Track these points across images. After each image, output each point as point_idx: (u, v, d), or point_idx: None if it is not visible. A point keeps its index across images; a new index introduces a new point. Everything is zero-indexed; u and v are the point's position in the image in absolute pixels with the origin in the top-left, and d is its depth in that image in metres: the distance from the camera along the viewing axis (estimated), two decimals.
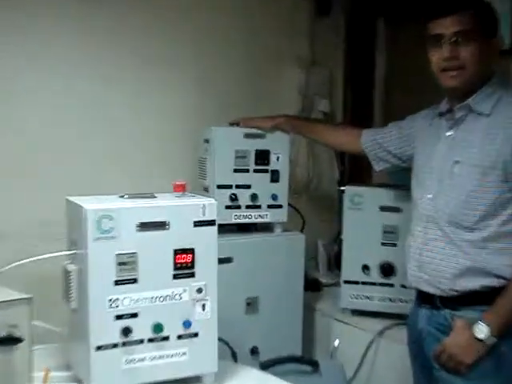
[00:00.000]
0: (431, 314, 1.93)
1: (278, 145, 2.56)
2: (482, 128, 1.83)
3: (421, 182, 2.00)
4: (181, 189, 1.77)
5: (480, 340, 1.77)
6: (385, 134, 2.27)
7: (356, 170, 3.24)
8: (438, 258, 1.88)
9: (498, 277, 1.80)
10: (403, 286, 2.49)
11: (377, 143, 2.28)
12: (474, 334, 1.77)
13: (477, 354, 1.78)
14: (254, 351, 2.52)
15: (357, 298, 2.58)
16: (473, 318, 1.80)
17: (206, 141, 2.52)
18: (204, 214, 1.71)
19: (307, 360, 2.33)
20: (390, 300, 2.54)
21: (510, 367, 1.81)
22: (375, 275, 2.55)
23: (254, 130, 2.53)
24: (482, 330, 1.76)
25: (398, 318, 2.49)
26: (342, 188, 2.64)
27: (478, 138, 1.82)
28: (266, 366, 2.16)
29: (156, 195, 1.75)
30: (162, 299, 1.68)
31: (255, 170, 2.54)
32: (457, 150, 1.87)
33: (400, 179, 2.39)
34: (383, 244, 2.53)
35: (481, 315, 1.79)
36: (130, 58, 2.60)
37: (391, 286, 2.53)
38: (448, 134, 1.92)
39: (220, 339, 1.80)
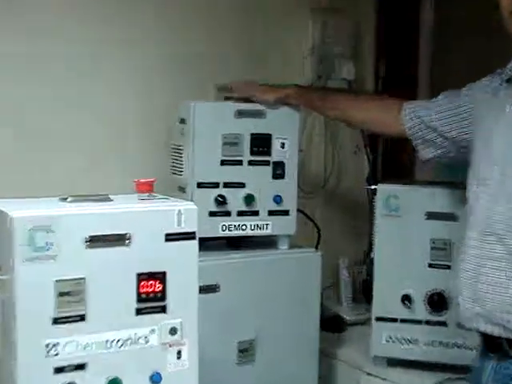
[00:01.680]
0: (498, 367, 1.91)
1: (284, 126, 2.58)
2: None
3: (478, 175, 2.00)
4: (147, 188, 1.79)
5: None
6: (435, 110, 2.26)
7: (393, 161, 3.26)
8: (501, 284, 1.86)
9: None
10: (461, 326, 2.49)
11: (423, 122, 2.28)
12: None
13: None
14: None
15: (394, 342, 2.59)
16: None
17: (182, 121, 2.53)
18: (179, 224, 1.72)
19: None
20: (442, 345, 2.55)
21: None
22: (420, 309, 2.56)
23: (250, 106, 2.54)
24: None
25: (454, 370, 2.51)
26: (373, 187, 2.65)
27: None
28: None
29: (112, 198, 1.75)
30: (120, 344, 1.68)
31: (251, 162, 2.55)
32: None
33: (453, 174, 2.40)
34: (431, 265, 2.54)
35: None
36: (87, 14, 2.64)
37: (443, 324, 2.54)
38: (508, 109, 1.93)
39: None
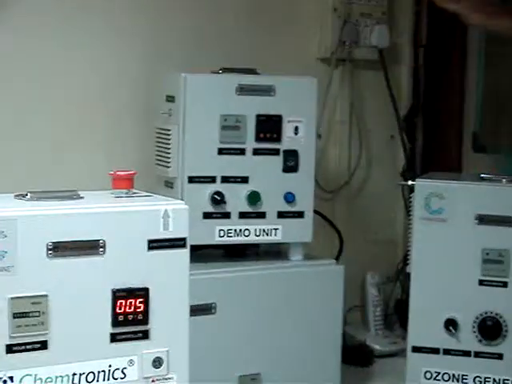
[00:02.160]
0: None
1: (298, 106, 2.60)
2: None
3: None
4: (126, 183, 1.79)
5: None
6: None
7: (436, 149, 3.26)
8: None
9: None
10: None
11: None
12: None
13: None
14: None
15: (437, 379, 2.59)
16: None
17: (170, 99, 2.55)
18: (166, 228, 1.73)
19: None
20: (497, 382, 2.55)
21: None
22: (469, 338, 2.56)
23: (254, 79, 2.55)
24: None
25: None
26: (410, 182, 2.65)
27: None
28: None
29: (82, 195, 1.77)
30: (91, 378, 1.69)
31: (257, 151, 2.57)
32: None
33: None
34: (483, 282, 2.54)
35: None
36: None
37: (498, 357, 2.54)
38: None
39: None
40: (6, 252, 1.60)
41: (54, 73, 2.69)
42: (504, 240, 2.51)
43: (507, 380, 2.53)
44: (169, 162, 2.55)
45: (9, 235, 1.60)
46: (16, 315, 1.62)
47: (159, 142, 2.59)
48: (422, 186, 2.59)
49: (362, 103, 3.19)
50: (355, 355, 2.94)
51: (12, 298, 1.61)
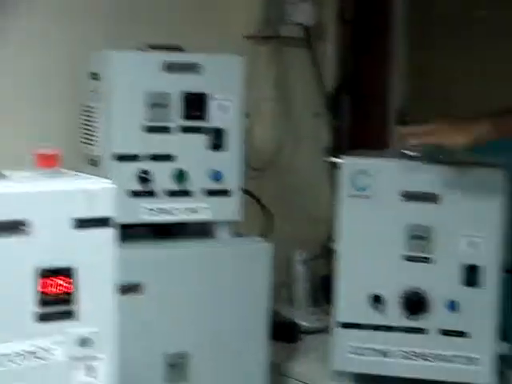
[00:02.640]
0: None
1: (224, 84, 2.60)
2: None
3: None
4: (51, 162, 1.77)
5: None
6: None
7: (361, 126, 3.28)
8: None
9: None
10: (444, 333, 2.57)
11: None
12: None
13: None
14: None
15: (362, 355, 2.62)
16: None
17: (95, 76, 2.54)
18: (91, 207, 1.72)
19: None
20: (422, 357, 2.59)
21: None
22: (394, 313, 2.59)
23: (181, 56, 2.56)
24: None
25: None
26: (337, 160, 2.67)
27: None
28: None
29: (6, 174, 1.75)
30: (16, 359, 1.67)
31: (183, 129, 2.58)
32: None
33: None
34: (409, 259, 2.58)
35: None
36: None
37: (422, 331, 2.59)
38: None
39: None
40: None
41: None
42: (428, 216, 2.55)
43: (431, 354, 2.58)
44: (94, 140, 2.55)
45: None
46: None
47: (85, 120, 2.57)
48: (348, 163, 2.61)
49: (288, 81, 3.19)
50: (282, 332, 2.96)
51: None
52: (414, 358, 2.59)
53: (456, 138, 2.42)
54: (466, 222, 2.53)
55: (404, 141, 2.51)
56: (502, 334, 2.58)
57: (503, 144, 2.32)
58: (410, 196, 2.56)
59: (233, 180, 2.63)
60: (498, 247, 2.53)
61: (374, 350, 2.61)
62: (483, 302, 2.54)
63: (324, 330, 2.96)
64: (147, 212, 2.55)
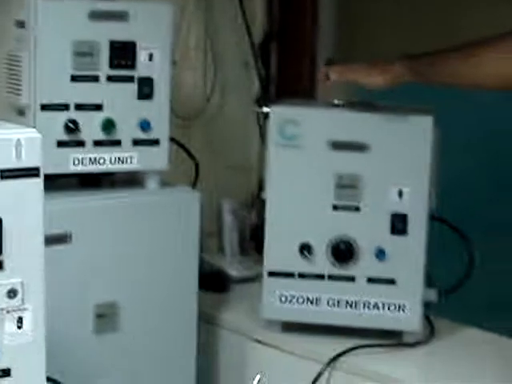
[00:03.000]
0: None
1: (151, 32, 2.58)
2: None
3: None
4: None
5: None
6: None
7: (289, 76, 3.28)
8: None
9: None
10: (372, 281, 2.60)
11: None
12: None
13: None
14: None
15: (291, 303, 2.64)
16: None
17: (20, 24, 2.49)
18: (19, 157, 1.70)
19: None
20: (349, 304, 2.62)
21: None
22: (323, 262, 2.61)
23: (108, 5, 2.53)
24: None
25: (364, 335, 2.60)
26: (265, 109, 2.67)
27: None
28: None
29: None
30: None
31: (110, 78, 2.55)
32: None
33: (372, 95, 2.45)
34: (336, 207, 2.60)
35: None
36: None
37: (351, 279, 2.61)
38: None
39: (49, 379, 1.82)
40: None
41: None
42: (356, 165, 2.57)
43: (359, 301, 2.61)
44: (20, 90, 2.50)
45: None
46: None
47: (10, 69, 2.53)
48: (277, 112, 2.61)
49: (216, 29, 3.18)
50: (212, 281, 2.98)
51: None
52: (341, 305, 2.62)
53: (375, 77, 2.48)
54: (394, 171, 2.56)
55: (326, 80, 2.55)
56: (428, 281, 2.61)
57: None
58: (339, 145, 2.57)
59: (161, 129, 2.62)
60: (426, 196, 2.55)
61: (303, 298, 2.64)
62: (411, 250, 2.57)
63: (253, 279, 2.99)
64: (75, 162, 2.53)
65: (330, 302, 2.62)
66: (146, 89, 2.58)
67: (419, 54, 2.45)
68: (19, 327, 1.73)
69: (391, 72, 2.46)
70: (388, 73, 2.46)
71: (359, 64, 2.56)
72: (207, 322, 2.82)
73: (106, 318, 2.56)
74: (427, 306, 2.63)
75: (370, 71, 2.50)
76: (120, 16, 2.52)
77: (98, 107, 2.53)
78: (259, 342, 2.72)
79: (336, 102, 2.64)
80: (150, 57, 2.57)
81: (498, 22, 2.55)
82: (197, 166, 2.85)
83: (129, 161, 2.59)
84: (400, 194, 2.56)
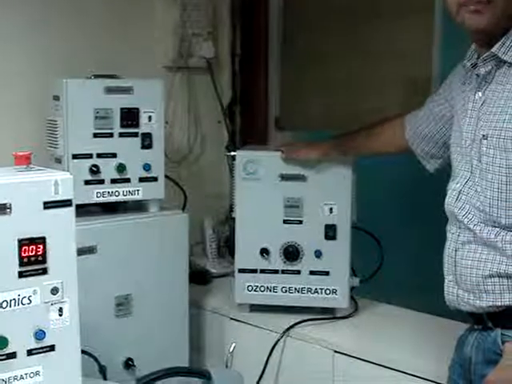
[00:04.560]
0: (480, 338, 1.80)
1: (150, 101, 2.57)
2: None
3: (453, 168, 1.87)
4: (25, 161, 1.73)
5: None
6: (424, 117, 2.10)
7: (249, 129, 3.29)
8: (475, 265, 1.75)
9: None
10: (312, 273, 2.58)
11: (421, 134, 2.12)
12: None
13: None
14: (129, 364, 2.54)
15: (256, 291, 2.63)
16: None
17: (56, 98, 2.48)
18: (57, 193, 1.68)
19: (197, 371, 2.33)
20: (297, 291, 2.61)
21: None
22: (277, 261, 2.60)
23: (118, 82, 2.53)
24: None
25: (308, 312, 2.59)
26: (233, 153, 2.67)
27: (509, 98, 1.67)
28: (144, 383, 2.17)
29: None
30: (4, 305, 1.64)
31: (121, 134, 2.54)
32: (484, 119, 1.72)
33: (311, 136, 2.44)
34: (286, 222, 2.58)
35: None
36: None
37: (297, 273, 2.60)
38: (476, 96, 1.77)
39: (83, 351, 1.80)
40: None
41: None
42: (299, 191, 2.56)
43: (303, 288, 2.61)
44: (57, 144, 2.50)
45: None
46: None
47: (49, 130, 2.54)
48: (241, 155, 2.62)
49: (196, 98, 3.18)
50: (198, 277, 2.96)
51: None
52: (291, 291, 2.62)
53: (311, 152, 2.52)
54: (325, 194, 2.55)
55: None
56: (352, 272, 2.62)
57: None
58: (286, 177, 2.57)
59: (158, 169, 2.61)
60: (349, 212, 2.56)
61: (264, 287, 2.63)
62: (339, 251, 2.57)
63: (228, 275, 2.98)
64: (97, 195, 2.53)
65: (283, 289, 2.61)
66: (147, 141, 2.57)
67: (341, 134, 2.50)
68: (60, 315, 1.72)
69: (321, 148, 2.51)
70: (319, 149, 2.51)
71: (301, 143, 2.62)
72: (195, 307, 2.81)
73: (122, 306, 2.55)
74: (352, 289, 2.63)
75: (308, 148, 2.53)
76: (127, 90, 2.53)
77: (113, 155, 2.52)
78: (233, 319, 2.71)
79: (281, 147, 2.64)
80: (149, 118, 2.57)
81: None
82: (185, 195, 2.86)
83: (136, 193, 2.58)
84: (330, 210, 2.55)
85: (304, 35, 3.18)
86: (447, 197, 1.85)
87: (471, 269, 1.76)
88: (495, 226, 1.72)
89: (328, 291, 2.59)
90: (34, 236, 1.66)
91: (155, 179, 2.61)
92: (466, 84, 1.85)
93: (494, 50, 1.70)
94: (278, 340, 2.55)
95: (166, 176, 2.66)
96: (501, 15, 1.68)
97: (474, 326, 1.83)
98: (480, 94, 1.76)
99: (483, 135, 1.71)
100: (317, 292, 2.59)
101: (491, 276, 1.73)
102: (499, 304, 1.72)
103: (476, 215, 1.75)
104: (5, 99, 2.65)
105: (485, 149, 1.70)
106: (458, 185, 1.81)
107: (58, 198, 1.69)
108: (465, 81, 1.86)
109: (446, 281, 1.85)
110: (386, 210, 2.86)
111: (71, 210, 1.71)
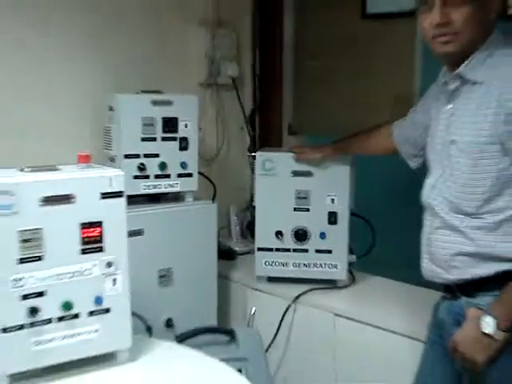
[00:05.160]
0: (450, 305, 1.81)
1: (186, 111, 2.56)
2: (476, 99, 1.67)
3: (429, 167, 1.87)
4: (85, 160, 1.75)
5: (488, 335, 1.61)
6: (408, 124, 2.10)
7: (267, 134, 3.28)
8: (445, 246, 1.76)
9: (509, 261, 1.66)
10: (318, 251, 2.57)
11: (405, 138, 2.12)
12: (481, 328, 1.62)
13: (488, 351, 1.62)
14: (169, 324, 2.54)
15: (271, 265, 2.62)
16: (489, 304, 1.66)
17: (111, 109, 2.48)
18: (111, 186, 1.70)
19: (223, 330, 2.37)
20: (305, 265, 2.60)
21: None
22: (289, 241, 2.59)
23: (161, 96, 2.52)
24: (488, 324, 1.61)
25: (314, 282, 2.58)
26: (253, 154, 2.67)
27: (473, 110, 1.67)
28: (181, 339, 2.19)
29: (59, 167, 1.72)
30: (70, 276, 1.66)
31: (163, 138, 2.53)
32: (453, 127, 1.73)
33: (312, 142, 2.43)
34: (296, 209, 2.57)
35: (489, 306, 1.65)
36: (32, 25, 2.52)
37: (305, 251, 2.59)
38: (447, 108, 1.78)
39: (133, 313, 1.81)
40: (14, 204, 1.57)
41: (55, 91, 2.61)
42: (307, 184, 2.55)
43: (310, 263, 2.59)
44: (111, 147, 2.50)
45: (15, 194, 1.57)
46: (22, 241, 1.59)
47: (106, 135, 2.54)
48: (260, 155, 2.61)
49: (223, 109, 3.16)
50: (225, 254, 2.95)
51: (19, 231, 1.58)
52: (300, 266, 2.60)
53: (316, 154, 2.50)
54: (328, 187, 2.54)
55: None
56: (350, 250, 2.61)
57: None
58: (296, 173, 2.56)
59: (192, 167, 2.60)
60: (348, 201, 2.54)
61: (278, 262, 2.62)
62: (339, 233, 2.56)
63: (249, 252, 2.97)
64: (144, 187, 2.52)
65: (294, 264, 2.60)
66: (183, 144, 2.56)
67: (341, 138, 2.47)
68: (114, 284, 1.74)
69: (324, 151, 2.48)
70: (323, 151, 2.49)
71: (308, 146, 2.59)
72: (222, 278, 2.81)
73: (164, 277, 2.55)
74: (350, 264, 2.63)
75: (313, 150, 2.51)
76: (168, 103, 2.52)
77: (156, 155, 2.52)
78: (253, 288, 2.70)
79: (294, 148, 2.64)
80: (186, 126, 2.56)
81: None
82: (214, 187, 2.84)
83: (175, 186, 2.58)
84: (332, 200, 2.54)
85: (312, 58, 3.16)
86: (424, 189, 1.86)
87: (442, 249, 1.78)
88: (460, 214, 1.73)
89: (330, 266, 2.58)
90: (93, 220, 1.68)
91: (190, 175, 2.60)
92: (439, 98, 1.85)
93: (458, 70, 1.71)
94: (290, 305, 2.55)
95: (199, 172, 2.65)
96: (466, 43, 1.69)
97: (446, 294, 1.85)
98: (450, 106, 1.77)
99: (452, 140, 1.73)
100: (321, 266, 2.58)
101: (457, 254, 1.74)
102: (464, 277, 1.74)
103: (446, 205, 1.76)
104: (70, 109, 2.66)
105: (453, 151, 1.72)
106: (432, 180, 1.82)
107: (112, 190, 1.70)
108: (438, 95, 1.86)
109: (423, 258, 1.87)
110: (377, 200, 2.84)
111: (123, 200, 1.72)
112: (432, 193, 1.81)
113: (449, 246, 1.76)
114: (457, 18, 1.65)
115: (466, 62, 1.69)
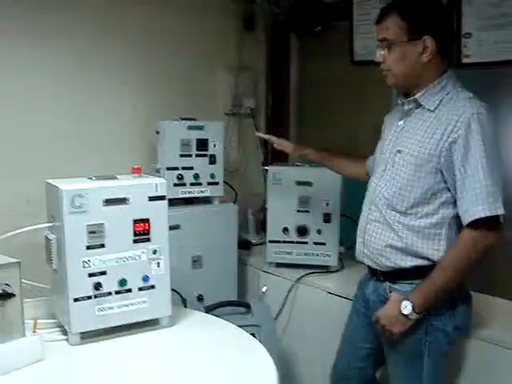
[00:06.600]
0: (376, 286, 1.81)
1: (215, 134, 2.56)
2: (426, 122, 1.65)
3: (375, 167, 1.84)
4: (137, 171, 1.77)
5: (405, 315, 1.65)
6: (377, 153, 1.95)
7: (277, 153, 3.24)
8: (377, 237, 1.75)
9: (427, 259, 1.67)
10: (315, 243, 2.56)
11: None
12: (400, 309, 1.65)
13: (403, 327, 1.66)
14: (200, 298, 2.54)
15: (279, 254, 2.61)
16: (407, 291, 1.68)
17: (157, 132, 2.50)
18: (157, 191, 1.72)
19: (242, 303, 2.38)
20: (305, 254, 2.58)
21: (438, 341, 1.69)
22: (293, 235, 2.58)
23: (196, 123, 2.52)
24: (406, 307, 1.64)
25: (312, 267, 2.55)
26: (266, 168, 2.65)
27: (421, 130, 1.65)
28: (209, 309, 2.20)
29: (117, 177, 1.75)
30: (125, 260, 1.69)
31: (197, 155, 2.53)
32: (401, 139, 1.71)
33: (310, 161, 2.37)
34: (298, 211, 2.56)
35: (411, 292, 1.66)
36: (108, 67, 2.55)
37: (306, 243, 2.57)
38: (399, 123, 1.75)
39: (172, 289, 1.82)
40: (84, 204, 1.60)
41: (99, 116, 2.60)
42: (307, 192, 2.51)
43: (309, 253, 2.55)
44: (157, 161, 2.51)
45: (85, 196, 1.60)
46: (90, 232, 1.62)
47: (153, 152, 2.55)
48: (272, 169, 2.56)
49: (243, 133, 3.16)
50: (243, 244, 2.93)
51: (87, 225, 1.61)
52: (301, 254, 2.54)
53: (287, 148, 2.21)
54: (323, 194, 2.51)
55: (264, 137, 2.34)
56: (340, 242, 2.58)
57: None
58: (299, 183, 2.53)
59: (219, 177, 2.60)
60: (339, 204, 2.50)
61: (284, 251, 2.59)
62: (332, 229, 2.54)
63: (262, 244, 2.93)
64: (181, 192, 2.52)
65: (297, 253, 2.58)
66: (212, 159, 2.56)
67: (323, 149, 2.20)
68: (158, 266, 1.74)
69: (303, 150, 2.18)
70: (302, 150, 2.18)
71: (288, 141, 2.27)
72: (241, 263, 2.78)
73: (196, 261, 2.55)
74: (340, 254, 2.60)
75: (292, 146, 2.21)
76: (201, 127, 2.52)
77: (191, 168, 2.52)
78: (265, 271, 2.67)
79: (297, 163, 2.63)
80: (214, 145, 2.56)
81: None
82: (236, 193, 2.84)
83: (205, 192, 2.57)
84: (327, 204, 2.52)
85: (313, 94, 3.15)
86: (369, 186, 1.82)
87: (374, 239, 1.76)
88: (393, 211, 1.71)
89: (325, 255, 2.56)
90: (143, 217, 1.70)
91: (217, 183, 2.59)
92: (395, 116, 1.83)
93: (416, 96, 1.69)
94: (293, 285, 2.53)
95: (224, 181, 2.64)
96: (400, 76, 1.67)
97: (373, 276, 1.83)
98: (401, 122, 1.75)
99: (398, 150, 1.71)
100: (318, 255, 2.56)
101: (386, 246, 1.73)
102: (390, 266, 1.73)
103: (384, 202, 1.73)
104: (126, 133, 2.66)
105: (397, 159, 1.71)
106: (376, 180, 1.79)
107: (157, 194, 1.72)
108: (394, 114, 1.84)
109: (357, 241, 1.83)
110: (361, 204, 2.83)
111: (165, 202, 1.74)
112: (375, 190, 1.77)
113: (381, 238, 1.74)
114: (388, 58, 1.66)
115: (422, 91, 1.67)
